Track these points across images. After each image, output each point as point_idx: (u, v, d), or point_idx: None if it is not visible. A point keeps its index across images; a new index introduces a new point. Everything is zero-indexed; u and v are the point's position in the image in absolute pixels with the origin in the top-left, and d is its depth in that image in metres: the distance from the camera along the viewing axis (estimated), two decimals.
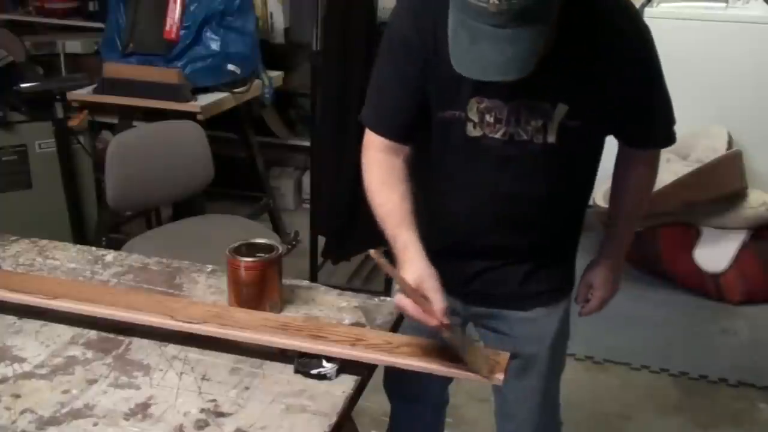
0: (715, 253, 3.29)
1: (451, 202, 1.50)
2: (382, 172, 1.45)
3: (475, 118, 1.37)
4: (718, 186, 3.24)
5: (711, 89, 3.50)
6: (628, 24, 1.35)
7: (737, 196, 3.26)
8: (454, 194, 1.49)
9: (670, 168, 3.34)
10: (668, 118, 1.48)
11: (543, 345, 1.57)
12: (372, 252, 1.27)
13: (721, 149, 3.30)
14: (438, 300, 1.24)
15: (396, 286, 1.30)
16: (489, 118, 1.37)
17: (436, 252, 1.39)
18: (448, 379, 1.75)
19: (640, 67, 1.37)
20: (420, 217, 1.42)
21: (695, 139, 3.42)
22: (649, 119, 1.45)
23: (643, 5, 3.65)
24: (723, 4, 3.55)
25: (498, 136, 1.38)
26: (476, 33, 1.15)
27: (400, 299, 1.24)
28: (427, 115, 1.43)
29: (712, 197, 3.24)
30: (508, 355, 1.30)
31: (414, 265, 1.28)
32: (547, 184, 1.44)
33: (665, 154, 3.45)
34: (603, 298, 1.66)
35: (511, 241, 1.49)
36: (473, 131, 1.39)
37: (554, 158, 1.39)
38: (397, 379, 1.75)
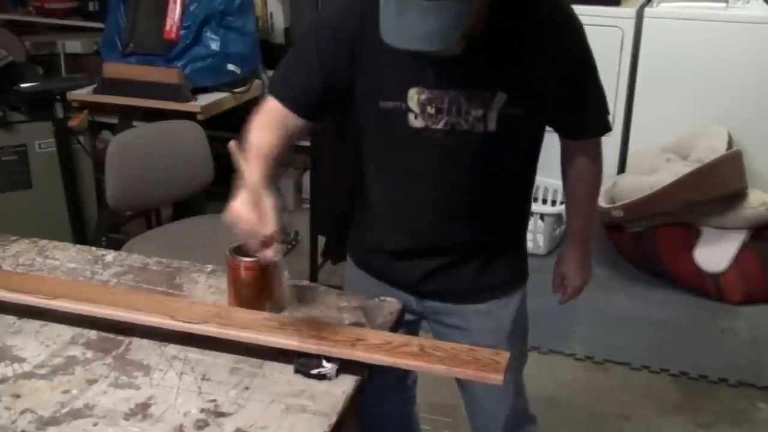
0: (715, 253, 3.28)
1: (397, 196, 1.52)
2: (269, 118, 1.45)
3: (416, 109, 1.40)
4: (718, 186, 3.23)
5: (711, 89, 3.50)
6: (561, 16, 1.41)
7: (737, 196, 3.26)
8: (399, 188, 1.51)
9: (670, 168, 3.34)
10: (601, 108, 1.53)
11: (500, 336, 1.59)
12: (231, 143, 1.28)
13: (721, 149, 3.30)
14: (272, 216, 1.25)
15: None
16: (430, 110, 1.39)
17: (384, 251, 1.48)
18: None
19: (573, 58, 1.42)
20: (367, 213, 1.52)
21: (695, 139, 3.42)
22: (582, 109, 1.50)
23: (643, 5, 3.65)
24: (723, 4, 3.55)
25: (440, 126, 1.40)
26: (403, 4, 1.19)
27: (236, 202, 1.26)
28: (332, 104, 1.47)
29: (712, 197, 3.24)
30: (507, 354, 1.30)
31: (259, 186, 1.28)
32: (490, 173, 1.47)
33: (665, 154, 3.47)
34: (576, 286, 1.73)
35: (459, 233, 1.53)
36: (415, 122, 1.41)
37: (495, 147, 1.43)
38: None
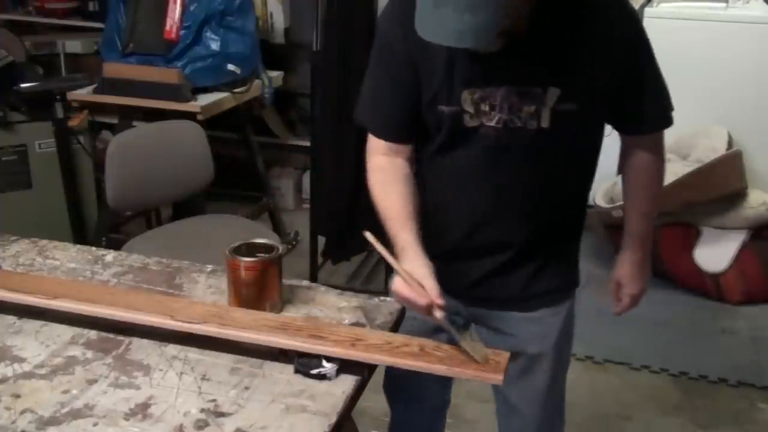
0: (715, 253, 3.29)
1: (450, 196, 1.50)
2: (384, 175, 1.48)
3: (471, 110, 1.39)
4: (718, 186, 3.24)
5: (711, 89, 3.51)
6: (614, 5, 1.37)
7: (737, 196, 3.26)
8: (453, 188, 1.50)
9: (670, 168, 3.33)
10: (662, 100, 1.48)
11: (547, 344, 1.57)
12: (367, 233, 1.32)
13: (721, 149, 3.30)
14: (432, 284, 1.29)
15: (392, 278, 1.35)
16: (484, 107, 1.38)
17: (438, 255, 1.41)
18: (448, 380, 1.75)
19: (628, 49, 1.38)
20: (422, 218, 1.45)
21: (695, 139, 3.43)
22: (639, 101, 1.45)
23: (643, 5, 3.65)
24: (723, 4, 3.56)
25: (493, 123, 1.39)
26: None
27: (396, 282, 1.32)
28: (421, 114, 1.45)
29: (712, 197, 3.24)
30: (507, 354, 1.29)
31: (411, 259, 1.34)
32: (544, 171, 1.44)
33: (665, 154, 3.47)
34: (632, 295, 1.65)
35: (512, 234, 1.50)
36: (470, 121, 1.40)
37: (549, 144, 1.40)
38: (396, 381, 1.75)
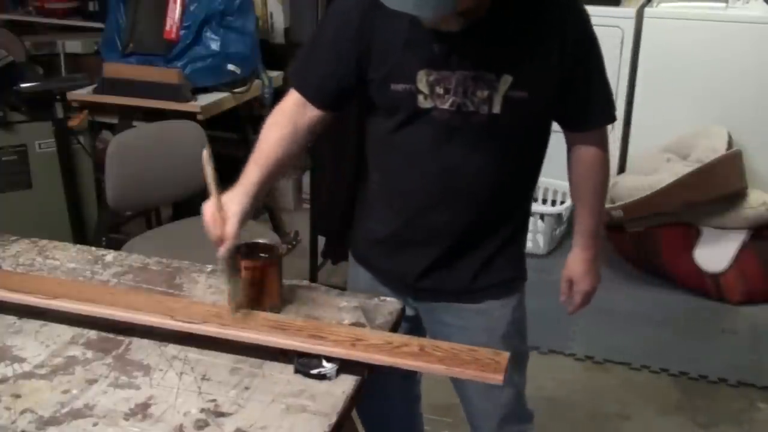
0: (715, 253, 3.28)
1: (402, 178, 1.53)
2: (280, 115, 1.52)
3: (426, 90, 1.42)
4: (718, 186, 3.23)
5: (711, 89, 3.50)
6: (568, 5, 1.43)
7: (737, 196, 3.26)
8: (404, 169, 1.52)
9: (670, 168, 3.34)
10: (606, 97, 1.53)
11: (495, 336, 1.58)
12: (204, 150, 1.37)
13: (721, 149, 3.30)
14: (232, 223, 1.37)
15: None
16: (439, 89, 1.41)
17: (385, 238, 1.51)
18: (413, 375, 1.80)
19: (578, 45, 1.44)
20: (369, 202, 1.55)
21: (695, 139, 3.42)
22: (586, 96, 1.50)
23: (643, 5, 3.65)
24: (723, 4, 3.55)
25: (446, 106, 1.42)
26: None
27: (206, 206, 1.38)
28: (352, 91, 1.49)
29: (712, 197, 3.24)
30: (507, 354, 1.30)
31: (235, 195, 1.41)
32: (493, 157, 1.47)
33: (665, 154, 3.47)
34: (585, 292, 1.68)
35: (458, 219, 1.52)
36: (424, 103, 1.43)
37: (499, 130, 1.44)
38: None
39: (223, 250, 1.37)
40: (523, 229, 1.65)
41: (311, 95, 1.50)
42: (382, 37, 1.42)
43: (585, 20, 1.45)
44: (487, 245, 1.56)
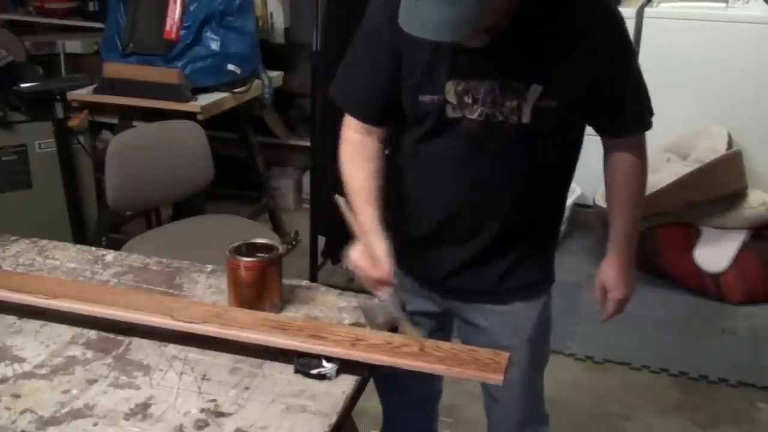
0: (715, 253, 3.28)
1: (428, 185, 1.53)
2: (353, 151, 1.53)
3: (454, 101, 1.41)
4: (718, 186, 3.23)
5: (711, 89, 3.51)
6: (599, 7, 1.39)
7: (737, 196, 3.26)
8: (431, 177, 1.52)
9: (670, 168, 3.34)
10: (642, 102, 1.48)
11: (520, 338, 1.58)
12: (338, 197, 1.39)
13: (721, 149, 3.30)
14: (387, 263, 1.38)
15: (351, 246, 1.44)
16: (467, 99, 1.40)
17: (413, 241, 1.51)
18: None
19: (610, 50, 1.40)
20: (401, 205, 1.55)
21: (695, 139, 3.42)
22: (620, 103, 1.46)
23: (643, 5, 3.65)
24: (723, 4, 3.56)
25: (475, 116, 1.40)
26: None
27: (355, 250, 1.41)
28: (401, 101, 1.48)
29: (712, 197, 3.24)
30: (507, 355, 1.30)
31: (373, 235, 1.42)
32: (522, 166, 1.46)
33: (665, 154, 3.47)
34: (618, 300, 1.65)
35: (486, 225, 1.51)
36: (453, 113, 1.42)
37: (529, 139, 1.42)
38: (385, 372, 1.77)
39: (388, 292, 1.39)
40: (555, 232, 1.62)
41: (363, 115, 1.52)
42: (410, 50, 1.41)
43: (618, 23, 1.40)
44: (516, 249, 1.54)
